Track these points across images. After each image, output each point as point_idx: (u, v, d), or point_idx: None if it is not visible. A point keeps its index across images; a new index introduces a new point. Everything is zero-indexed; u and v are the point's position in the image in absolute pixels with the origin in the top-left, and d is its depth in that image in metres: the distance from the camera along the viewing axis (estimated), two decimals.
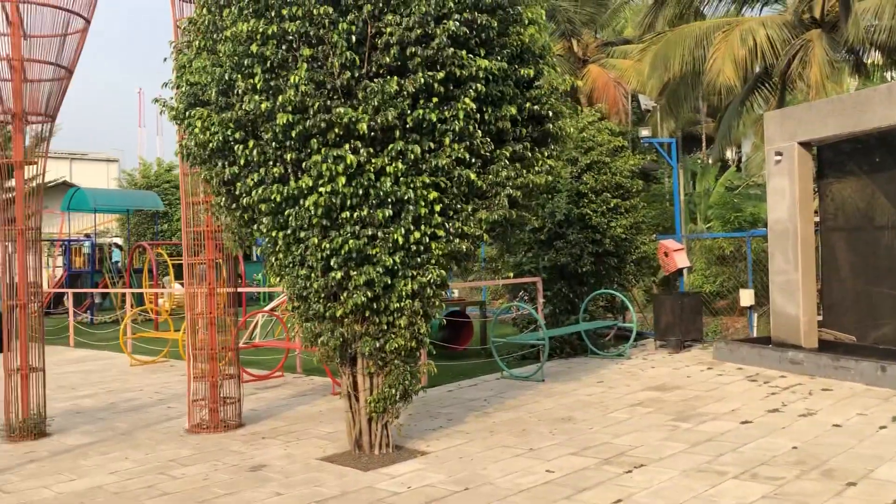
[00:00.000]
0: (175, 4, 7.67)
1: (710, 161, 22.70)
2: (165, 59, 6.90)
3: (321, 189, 5.81)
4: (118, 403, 9.24)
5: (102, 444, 7.21)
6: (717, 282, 14.58)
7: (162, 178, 31.41)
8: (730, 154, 27.69)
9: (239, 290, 19.65)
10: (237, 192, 6.19)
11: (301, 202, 5.91)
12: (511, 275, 11.84)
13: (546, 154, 6.74)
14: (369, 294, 6.02)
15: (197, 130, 6.08)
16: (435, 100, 5.89)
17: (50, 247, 28.19)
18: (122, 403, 9.24)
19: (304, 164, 5.90)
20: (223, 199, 6.38)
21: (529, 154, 6.59)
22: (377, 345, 6.21)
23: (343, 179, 5.78)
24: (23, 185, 7.53)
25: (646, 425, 7.10)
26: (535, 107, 6.48)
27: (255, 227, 6.29)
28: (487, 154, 6.30)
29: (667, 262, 12.64)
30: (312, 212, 5.87)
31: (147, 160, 35.02)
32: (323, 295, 6.17)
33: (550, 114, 6.61)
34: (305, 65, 5.71)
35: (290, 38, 5.83)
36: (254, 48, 5.75)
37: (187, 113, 6.32)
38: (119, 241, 27.81)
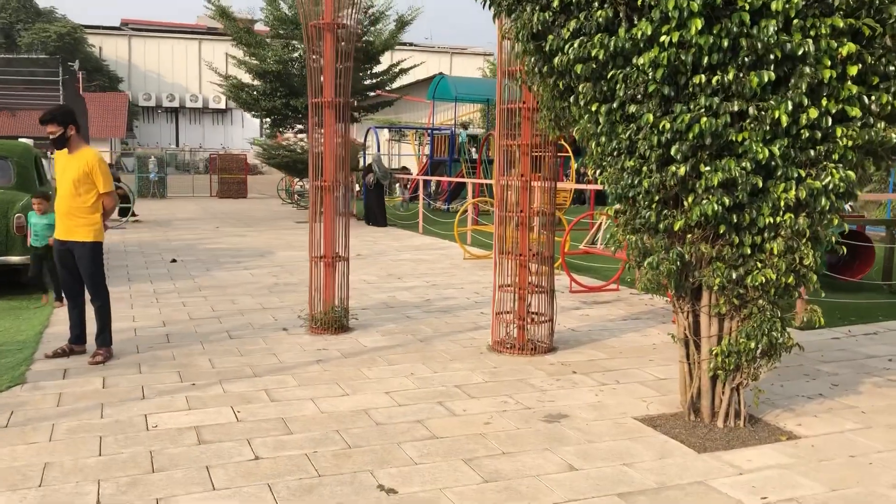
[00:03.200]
0: None
1: None
2: None
3: (664, 38, 3.88)
4: (434, 301, 8.45)
5: (395, 350, 6.33)
6: None
7: None
8: None
9: (570, 185, 18.27)
10: (549, 49, 4.49)
11: (634, 60, 4.05)
12: None
13: None
14: (727, 201, 4.03)
15: None
16: None
17: (419, 135, 29.47)
18: (438, 301, 8.43)
19: (640, 1, 3.99)
20: (532, 59, 4.73)
21: None
22: (734, 276, 4.24)
23: (699, 23, 3.78)
24: (331, 50, 6.68)
25: None
26: None
27: (571, 98, 4.58)
28: None
29: None
30: (650, 75, 3.98)
31: None
32: (657, 198, 4.31)
33: None
34: None
35: None
36: None
37: None
38: (468, 128, 27.56)
